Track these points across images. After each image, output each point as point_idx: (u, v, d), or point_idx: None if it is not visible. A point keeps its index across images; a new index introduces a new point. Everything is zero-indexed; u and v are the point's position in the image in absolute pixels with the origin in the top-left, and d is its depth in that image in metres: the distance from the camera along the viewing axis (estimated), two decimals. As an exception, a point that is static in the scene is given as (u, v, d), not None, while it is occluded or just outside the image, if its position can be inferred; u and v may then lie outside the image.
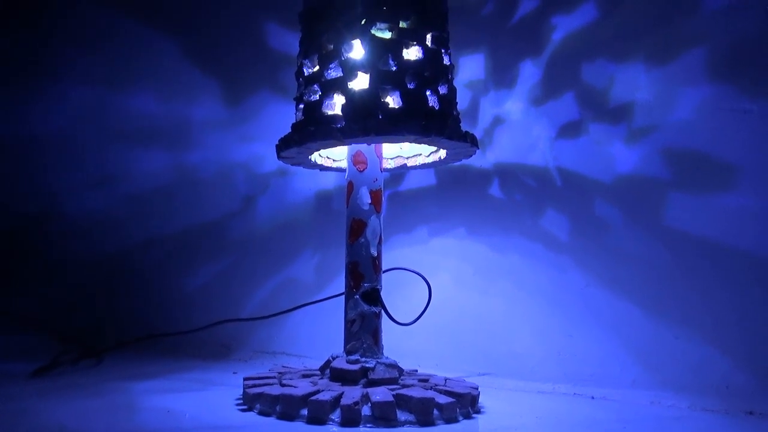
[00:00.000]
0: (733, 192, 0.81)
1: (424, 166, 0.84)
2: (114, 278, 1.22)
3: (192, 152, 1.18)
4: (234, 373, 0.92)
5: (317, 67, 0.73)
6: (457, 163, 0.87)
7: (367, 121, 0.67)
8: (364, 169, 0.75)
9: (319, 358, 1.00)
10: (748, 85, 0.81)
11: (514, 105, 0.94)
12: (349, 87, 0.69)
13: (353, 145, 0.75)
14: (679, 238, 0.83)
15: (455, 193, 0.97)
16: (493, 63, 0.96)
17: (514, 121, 0.94)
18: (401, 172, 0.98)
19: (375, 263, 0.75)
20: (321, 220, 1.07)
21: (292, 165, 0.81)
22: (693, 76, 0.84)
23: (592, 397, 0.82)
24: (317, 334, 1.03)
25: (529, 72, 0.93)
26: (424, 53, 0.71)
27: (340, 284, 1.02)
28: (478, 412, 0.71)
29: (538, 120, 0.92)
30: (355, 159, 0.76)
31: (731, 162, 0.81)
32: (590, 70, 0.90)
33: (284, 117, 1.09)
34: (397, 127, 0.66)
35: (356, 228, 0.75)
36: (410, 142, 0.71)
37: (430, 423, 0.63)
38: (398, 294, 0.85)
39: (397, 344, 0.81)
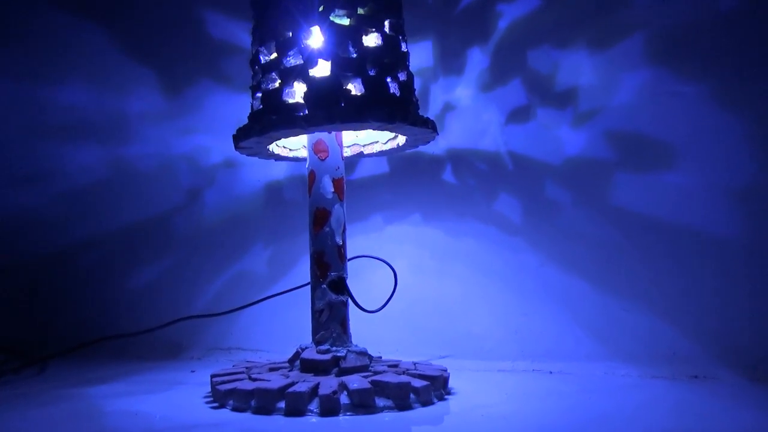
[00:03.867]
0: (673, 171, 0.86)
1: (380, 153, 0.84)
2: (49, 282, 1.15)
3: (130, 146, 1.13)
4: (192, 371, 0.90)
5: (275, 55, 0.71)
6: (410, 150, 0.88)
7: (331, 109, 0.66)
8: (325, 158, 0.74)
9: (276, 352, 1.00)
10: (683, 68, 0.85)
11: (463, 91, 0.96)
12: (311, 74, 0.68)
13: (314, 133, 0.74)
14: (625, 216, 0.87)
15: (409, 180, 0.97)
16: (442, 50, 0.97)
17: (464, 107, 0.96)
18: (354, 160, 0.98)
19: (340, 252, 0.74)
20: (272, 211, 1.05)
21: (248, 155, 0.79)
22: (632, 61, 0.88)
23: (551, 372, 0.85)
24: (273, 328, 1.02)
25: (477, 59, 0.95)
26: (383, 40, 0.71)
27: (294, 276, 1.02)
28: (449, 393, 0.72)
29: (488, 106, 0.94)
30: (316, 147, 0.75)
31: (670, 142, 0.86)
32: (535, 56, 0.93)
33: (228, 107, 1.07)
34: (361, 114, 0.66)
35: (320, 217, 0.74)
36: (374, 129, 0.71)
37: (407, 407, 0.64)
38: (359, 281, 0.85)
39: (358, 332, 0.81)
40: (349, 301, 0.75)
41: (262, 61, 0.73)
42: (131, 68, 1.13)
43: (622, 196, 0.88)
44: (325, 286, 0.73)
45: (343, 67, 0.68)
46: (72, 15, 1.16)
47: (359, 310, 0.76)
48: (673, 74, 0.86)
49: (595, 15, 0.89)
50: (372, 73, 0.69)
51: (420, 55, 0.97)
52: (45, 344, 1.04)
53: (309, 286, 0.76)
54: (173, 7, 1.12)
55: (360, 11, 0.70)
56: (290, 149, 0.83)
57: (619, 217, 0.87)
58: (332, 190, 0.74)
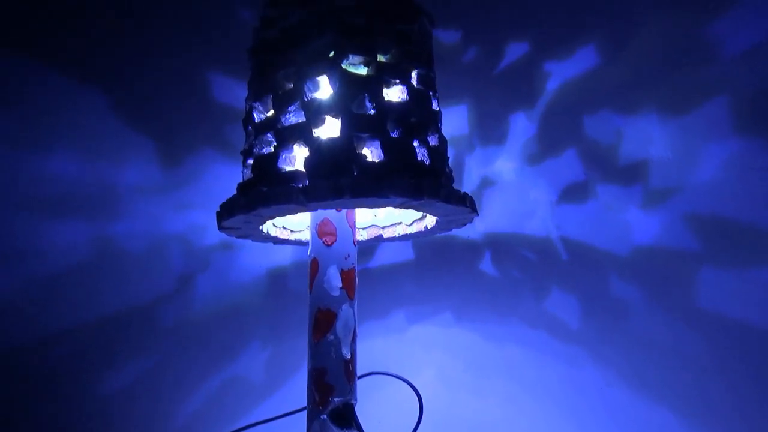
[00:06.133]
0: (775, 265, 0.68)
1: (404, 237, 0.67)
2: (5, 385, 0.98)
3: (118, 222, 0.98)
4: None
5: (272, 112, 0.56)
6: (441, 234, 0.72)
7: (339, 179, 0.50)
8: (332, 243, 0.58)
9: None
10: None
11: (505, 164, 0.80)
12: (315, 135, 0.53)
13: (318, 211, 0.58)
14: (713, 320, 0.69)
15: (438, 270, 0.80)
16: (479, 115, 0.82)
17: (506, 182, 0.80)
18: (371, 244, 0.81)
19: (348, 368, 0.56)
20: (274, 304, 0.88)
21: (237, 237, 0.63)
22: (716, 129, 0.72)
23: None
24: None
25: (522, 126, 0.80)
26: (409, 94, 0.56)
27: (296, 386, 0.83)
28: None
29: (536, 181, 0.78)
30: (320, 230, 0.58)
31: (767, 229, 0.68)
32: (594, 123, 0.77)
33: (231, 179, 0.92)
34: (380, 186, 0.50)
35: (323, 321, 0.56)
36: (396, 207, 0.54)
37: None
38: (372, 401, 0.67)
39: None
40: (359, 435, 0.56)
41: (257, 120, 0.58)
42: (127, 134, 1.00)
43: (709, 296, 0.70)
44: (325, 416, 0.54)
45: (358, 127, 0.53)
46: (64, 77, 1.04)
47: (371, 447, 0.57)
48: (768, 146, 0.70)
49: (668, 74, 0.74)
50: (394, 134, 0.54)
51: (453, 121, 0.82)
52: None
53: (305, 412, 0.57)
54: (175, 70, 1.00)
55: (381, 58, 0.56)
56: (291, 230, 0.67)
57: (706, 322, 0.70)
58: (340, 285, 0.57)
